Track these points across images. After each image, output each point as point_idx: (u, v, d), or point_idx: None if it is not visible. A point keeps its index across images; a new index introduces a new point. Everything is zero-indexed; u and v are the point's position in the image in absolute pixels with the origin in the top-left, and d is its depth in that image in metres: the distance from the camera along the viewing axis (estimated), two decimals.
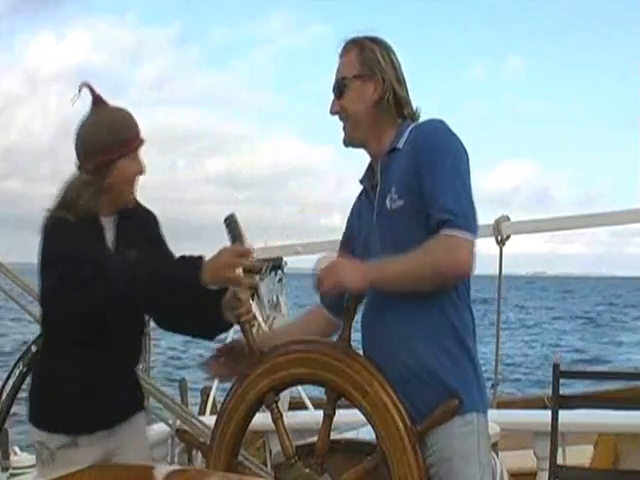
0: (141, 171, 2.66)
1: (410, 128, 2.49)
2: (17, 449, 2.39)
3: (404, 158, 2.42)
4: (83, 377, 2.55)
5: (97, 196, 2.58)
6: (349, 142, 2.55)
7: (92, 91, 2.62)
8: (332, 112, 2.54)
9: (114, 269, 2.45)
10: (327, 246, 5.21)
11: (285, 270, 5.16)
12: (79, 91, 2.60)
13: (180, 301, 2.45)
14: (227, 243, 2.54)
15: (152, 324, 4.13)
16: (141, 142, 2.66)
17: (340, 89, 2.52)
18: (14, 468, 2.18)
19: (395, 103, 2.51)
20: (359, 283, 2.30)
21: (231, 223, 2.52)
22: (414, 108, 2.55)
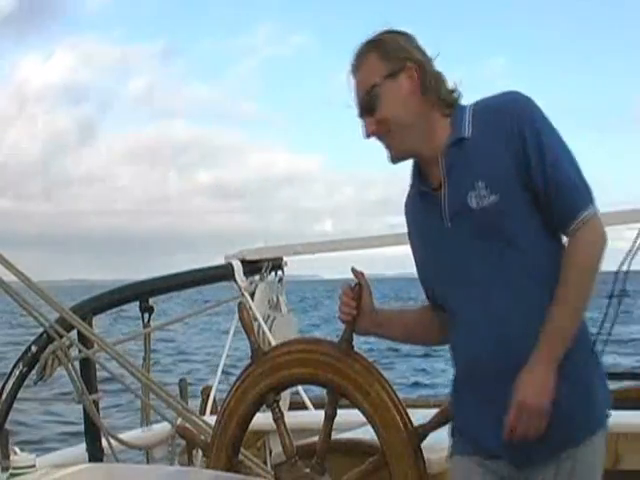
0: None
1: (470, 111, 2.15)
2: (17, 449, 2.39)
3: (484, 145, 2.09)
4: None
5: None
6: (400, 157, 2.19)
7: None
8: (369, 135, 2.16)
9: None
10: (327, 247, 5.22)
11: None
12: None
13: None
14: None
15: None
16: None
17: (371, 103, 2.14)
18: (14, 468, 2.18)
19: (436, 84, 2.15)
20: (548, 392, 2.03)
21: None
22: (453, 84, 2.19)
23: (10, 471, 2.20)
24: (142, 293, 4.34)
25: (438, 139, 2.14)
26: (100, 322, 4.20)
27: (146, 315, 4.33)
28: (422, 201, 2.22)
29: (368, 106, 2.15)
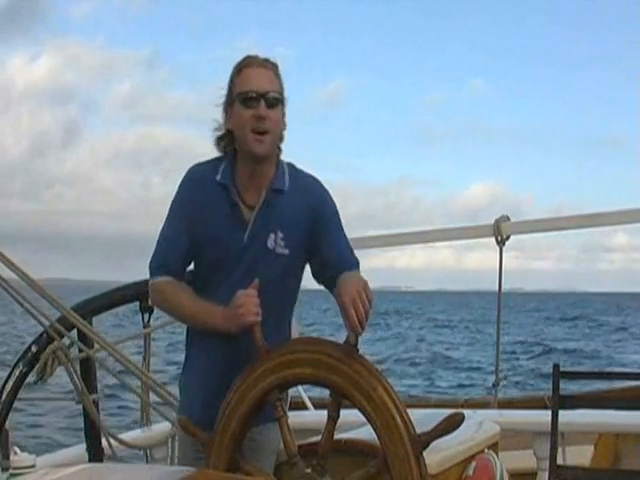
0: None
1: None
2: (17, 449, 2.38)
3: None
4: None
5: None
6: (266, 154, 2.57)
7: None
8: (261, 116, 2.52)
9: None
10: None
11: None
12: None
13: None
14: None
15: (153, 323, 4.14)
16: None
17: (275, 101, 2.55)
18: (14, 468, 2.18)
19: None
20: None
21: None
22: None
23: (10, 471, 2.20)
24: (142, 293, 4.33)
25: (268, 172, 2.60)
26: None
27: (146, 315, 4.31)
28: (221, 196, 2.59)
29: (272, 100, 2.54)
